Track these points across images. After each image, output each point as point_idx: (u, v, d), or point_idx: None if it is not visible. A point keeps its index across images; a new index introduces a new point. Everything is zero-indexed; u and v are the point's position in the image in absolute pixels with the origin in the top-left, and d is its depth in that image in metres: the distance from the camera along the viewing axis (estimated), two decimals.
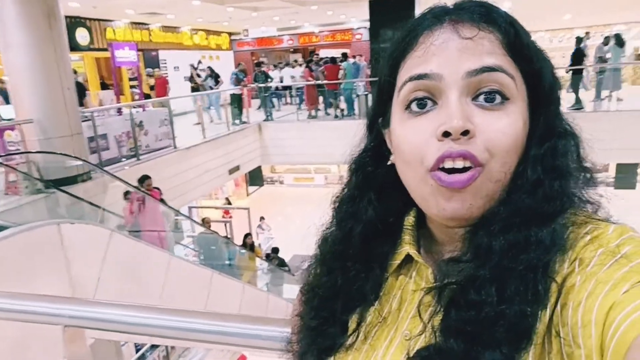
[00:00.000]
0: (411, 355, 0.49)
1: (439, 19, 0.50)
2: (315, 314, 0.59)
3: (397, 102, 0.52)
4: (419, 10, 0.55)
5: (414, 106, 0.50)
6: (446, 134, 0.47)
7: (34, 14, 5.50)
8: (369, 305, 0.56)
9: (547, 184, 0.48)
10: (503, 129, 0.47)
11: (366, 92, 12.20)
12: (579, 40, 10.59)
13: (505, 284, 0.45)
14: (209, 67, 14.32)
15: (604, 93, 10.55)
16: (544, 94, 0.51)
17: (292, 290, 8.68)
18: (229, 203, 14.80)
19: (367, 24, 14.06)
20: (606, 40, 11.04)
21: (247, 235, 9.75)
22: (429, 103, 0.49)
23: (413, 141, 0.50)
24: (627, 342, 0.36)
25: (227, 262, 8.07)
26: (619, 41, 10.66)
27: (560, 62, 12.40)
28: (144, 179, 6.33)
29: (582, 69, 10.52)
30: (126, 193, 5.95)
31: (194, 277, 5.16)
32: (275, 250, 10.33)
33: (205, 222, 8.76)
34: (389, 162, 0.56)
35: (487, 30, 0.49)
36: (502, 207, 0.48)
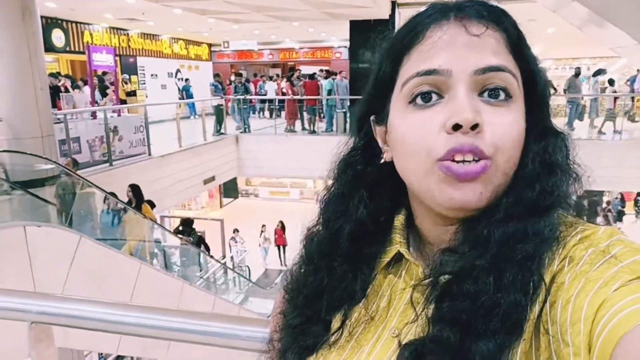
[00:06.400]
0: (402, 345, 0.48)
1: (445, 15, 0.50)
2: (299, 312, 0.58)
3: (399, 96, 0.52)
4: None
5: (418, 100, 0.50)
6: (456, 127, 0.47)
7: (7, 6, 5.33)
8: (355, 303, 0.56)
9: (543, 178, 0.49)
10: (509, 124, 0.48)
11: (344, 110, 12.32)
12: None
13: (502, 273, 0.45)
14: (97, 76, 10.72)
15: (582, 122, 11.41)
16: (539, 95, 0.52)
17: (262, 304, 8.40)
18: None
19: (347, 44, 14.27)
20: (577, 71, 11.60)
21: (131, 186, 6.71)
22: (434, 97, 0.49)
23: (419, 133, 0.49)
24: (614, 339, 0.36)
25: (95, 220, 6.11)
26: (597, 72, 11.94)
27: None
28: None
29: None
30: None
31: (165, 285, 5.03)
32: (188, 222, 8.46)
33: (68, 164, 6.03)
34: (382, 160, 0.55)
35: (493, 29, 0.49)
36: (504, 199, 0.49)
